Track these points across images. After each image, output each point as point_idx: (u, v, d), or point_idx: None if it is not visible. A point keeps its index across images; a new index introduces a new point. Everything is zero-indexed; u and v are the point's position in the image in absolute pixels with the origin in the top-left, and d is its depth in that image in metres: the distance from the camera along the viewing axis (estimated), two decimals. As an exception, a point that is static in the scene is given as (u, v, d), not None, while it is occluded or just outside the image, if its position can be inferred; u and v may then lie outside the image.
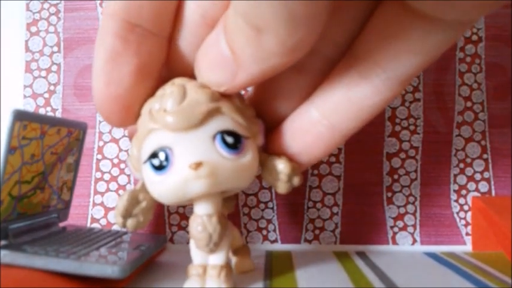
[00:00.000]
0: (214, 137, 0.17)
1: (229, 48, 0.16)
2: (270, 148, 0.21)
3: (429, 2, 0.15)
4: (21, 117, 0.21)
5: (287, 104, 0.20)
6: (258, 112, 0.20)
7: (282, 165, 0.19)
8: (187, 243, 0.30)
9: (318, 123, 0.19)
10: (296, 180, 0.20)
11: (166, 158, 0.17)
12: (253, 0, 0.14)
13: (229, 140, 0.18)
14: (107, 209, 0.31)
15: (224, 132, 0.18)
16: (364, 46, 0.18)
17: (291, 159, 0.20)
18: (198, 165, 0.17)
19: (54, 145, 0.24)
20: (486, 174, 0.30)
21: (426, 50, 0.17)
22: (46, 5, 0.32)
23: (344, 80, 0.18)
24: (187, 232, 0.30)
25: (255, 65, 0.16)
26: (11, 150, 0.21)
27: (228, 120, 0.18)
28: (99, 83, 0.18)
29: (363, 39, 0.18)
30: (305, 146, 0.20)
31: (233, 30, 0.16)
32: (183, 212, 0.30)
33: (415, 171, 0.30)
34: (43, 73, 0.32)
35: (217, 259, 0.19)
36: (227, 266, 0.19)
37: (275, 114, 0.21)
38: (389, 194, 0.30)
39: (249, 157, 0.18)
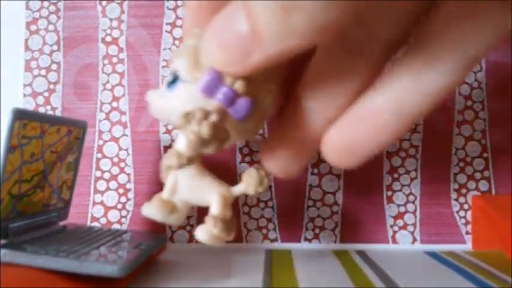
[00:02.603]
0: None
1: (250, 24, 0.15)
2: (331, 139, 0.19)
3: None
4: (21, 116, 0.21)
5: (348, 90, 0.19)
6: (314, 104, 0.19)
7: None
8: (187, 242, 0.30)
9: (384, 110, 0.18)
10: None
11: None
12: None
13: (168, 78, 0.19)
14: (107, 208, 0.31)
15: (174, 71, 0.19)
16: (431, 28, 0.17)
17: (353, 150, 0.19)
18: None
19: (54, 144, 0.24)
20: (486, 173, 0.30)
21: (493, 28, 0.16)
22: (46, 4, 0.32)
23: (412, 64, 0.17)
24: (187, 231, 0.30)
25: (277, 43, 0.15)
26: (10, 149, 0.21)
27: (181, 61, 0.18)
28: None
29: (430, 20, 0.17)
30: (370, 133, 0.18)
31: (259, 3, 0.15)
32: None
33: (415, 170, 0.30)
34: (43, 72, 0.32)
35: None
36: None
37: (334, 104, 0.19)
38: (390, 193, 0.30)
39: (175, 98, 0.18)
